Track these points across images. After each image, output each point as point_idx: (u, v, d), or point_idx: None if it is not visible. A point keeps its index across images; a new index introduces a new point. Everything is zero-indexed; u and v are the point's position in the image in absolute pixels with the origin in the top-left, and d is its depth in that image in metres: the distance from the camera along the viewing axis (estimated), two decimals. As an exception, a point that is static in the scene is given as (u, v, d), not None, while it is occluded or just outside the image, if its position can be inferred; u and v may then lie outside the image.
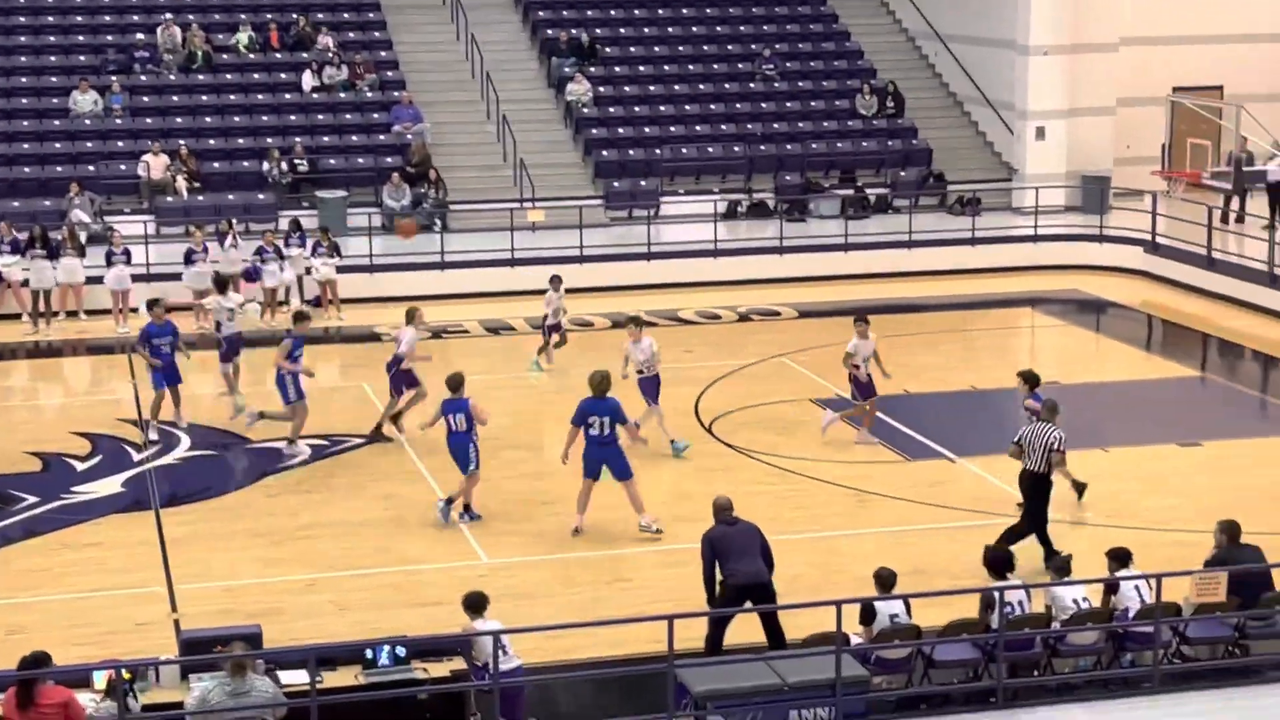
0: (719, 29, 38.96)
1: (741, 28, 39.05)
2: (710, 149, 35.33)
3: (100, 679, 12.55)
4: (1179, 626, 14.39)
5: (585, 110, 35.83)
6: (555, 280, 25.16)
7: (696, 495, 19.63)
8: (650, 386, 21.16)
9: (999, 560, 14.49)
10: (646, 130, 35.67)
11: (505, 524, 18.73)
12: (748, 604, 14.64)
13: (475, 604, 13.41)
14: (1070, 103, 35.15)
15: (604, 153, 34.82)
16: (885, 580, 14.38)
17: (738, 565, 14.71)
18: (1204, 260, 30.51)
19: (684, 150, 35.24)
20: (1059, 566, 14.76)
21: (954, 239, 32.55)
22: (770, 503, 19.18)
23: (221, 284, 24.06)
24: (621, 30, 38.67)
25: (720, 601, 14.82)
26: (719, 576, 14.87)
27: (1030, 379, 18.92)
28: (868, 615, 14.06)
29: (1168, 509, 18.84)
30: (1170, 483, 20.16)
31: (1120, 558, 14.90)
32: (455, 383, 18.80)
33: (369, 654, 13.16)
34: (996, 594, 13.87)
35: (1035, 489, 17.35)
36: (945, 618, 14.27)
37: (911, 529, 18.54)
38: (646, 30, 38.78)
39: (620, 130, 35.59)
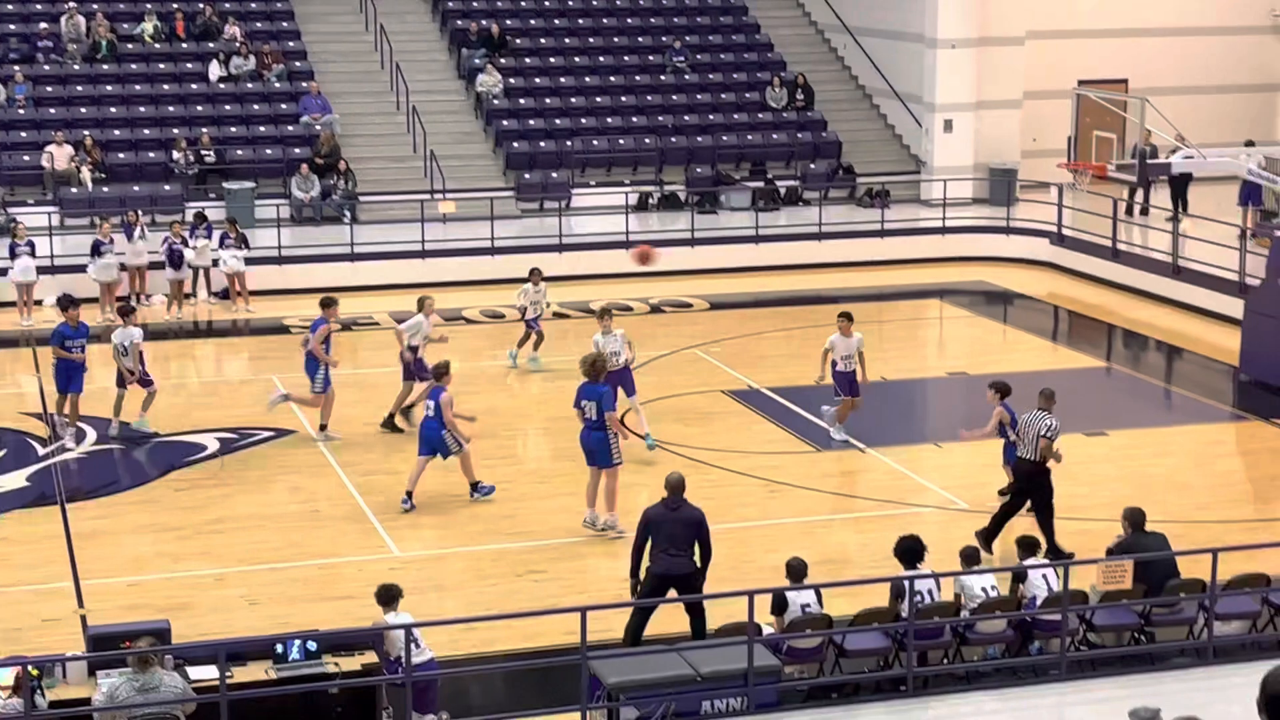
0: (629, 21, 38.99)
1: (652, 20, 39.10)
2: (621, 141, 35.34)
3: (6, 676, 12.39)
4: (1085, 614, 14.57)
5: (496, 102, 35.74)
6: (535, 273, 24.76)
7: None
8: (621, 377, 20.72)
9: (909, 550, 14.60)
10: (558, 122, 35.64)
11: (417, 517, 18.66)
12: (671, 593, 14.53)
13: (387, 597, 13.34)
14: (977, 96, 35.47)
15: (515, 144, 34.75)
16: (796, 570, 14.45)
17: (664, 553, 14.64)
18: (1109, 252, 30.90)
19: (595, 142, 35.23)
20: (967, 555, 14.89)
21: (863, 231, 32.76)
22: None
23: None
24: (532, 21, 38.59)
25: (642, 587, 14.74)
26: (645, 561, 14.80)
27: (1001, 389, 18.51)
28: (779, 605, 14.13)
29: (1074, 498, 19.05)
30: (1077, 472, 20.38)
31: (1028, 546, 15.07)
32: (440, 371, 18.99)
33: (279, 648, 13.05)
34: (906, 583, 13.99)
35: (1031, 480, 17.33)
36: (856, 607, 14.37)
37: (822, 519, 18.66)
38: (557, 22, 38.73)
39: (531, 122, 35.52)
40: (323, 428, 21.51)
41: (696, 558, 14.68)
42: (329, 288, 29.22)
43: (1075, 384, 23.44)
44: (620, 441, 18.20)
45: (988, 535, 17.24)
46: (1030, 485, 17.33)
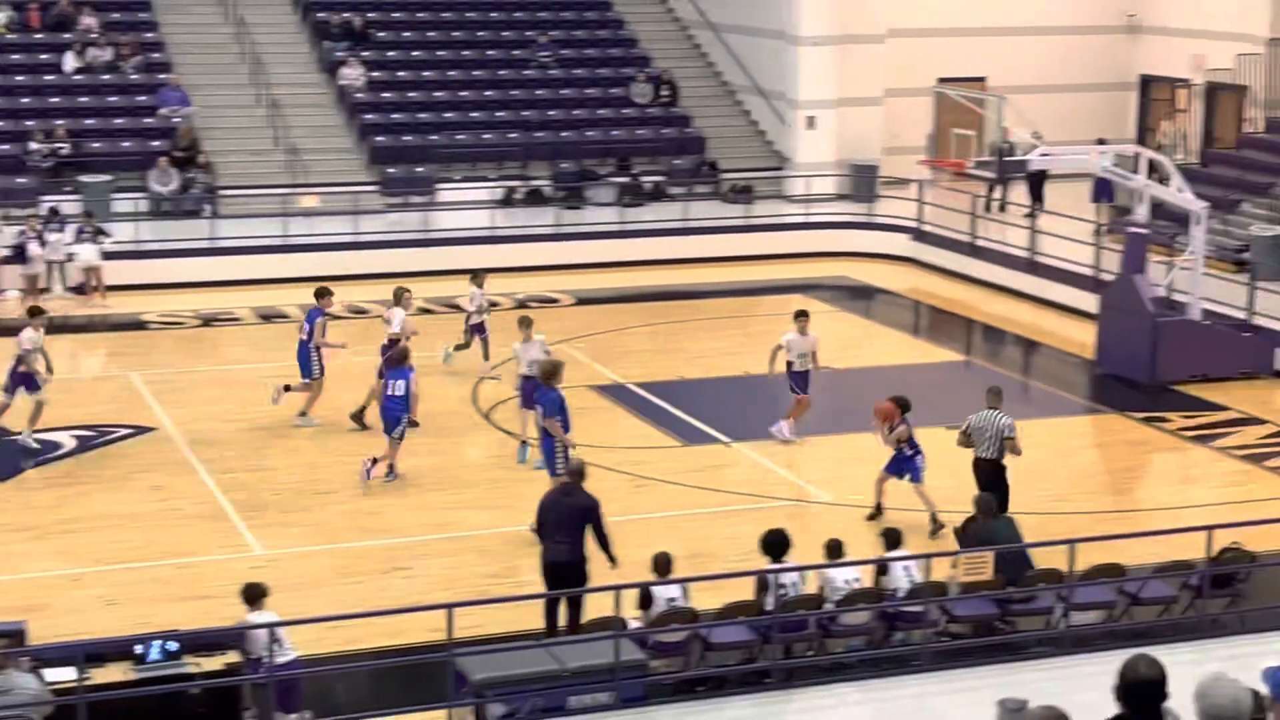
0: (494, 15, 38.83)
1: (516, 14, 38.97)
2: (486, 136, 35.21)
3: None
4: (946, 605, 14.77)
5: (359, 95, 35.43)
6: (478, 275, 24.02)
7: (476, 483, 19.63)
8: (531, 385, 19.92)
9: (775, 543, 14.71)
10: (422, 116, 35.41)
11: (280, 514, 18.47)
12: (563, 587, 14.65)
13: (252, 596, 13.19)
14: (839, 93, 35.79)
15: (379, 138, 34.48)
16: (662, 564, 14.50)
17: (549, 540, 14.85)
18: (968, 247, 31.34)
19: (460, 137, 35.06)
20: (831, 548, 15.02)
21: (728, 226, 32.94)
22: (547, 488, 19.19)
23: None
24: (395, 14, 38.30)
25: (544, 577, 14.90)
26: None
27: (903, 404, 18.50)
28: (645, 600, 14.17)
29: (936, 490, 19.28)
30: (938, 464, 20.64)
31: (892, 538, 15.25)
32: (402, 355, 19.53)
33: (139, 649, 12.85)
34: (771, 576, 14.09)
35: (993, 477, 17.47)
36: (722, 600, 14.45)
37: (687, 513, 18.73)
38: (421, 15, 38.47)
39: (395, 116, 35.27)
40: (302, 414, 21.52)
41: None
42: (189, 283, 28.93)
43: (935, 378, 23.74)
44: (569, 451, 17.60)
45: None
46: (990, 483, 17.41)
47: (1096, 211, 32.11)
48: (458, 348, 23.92)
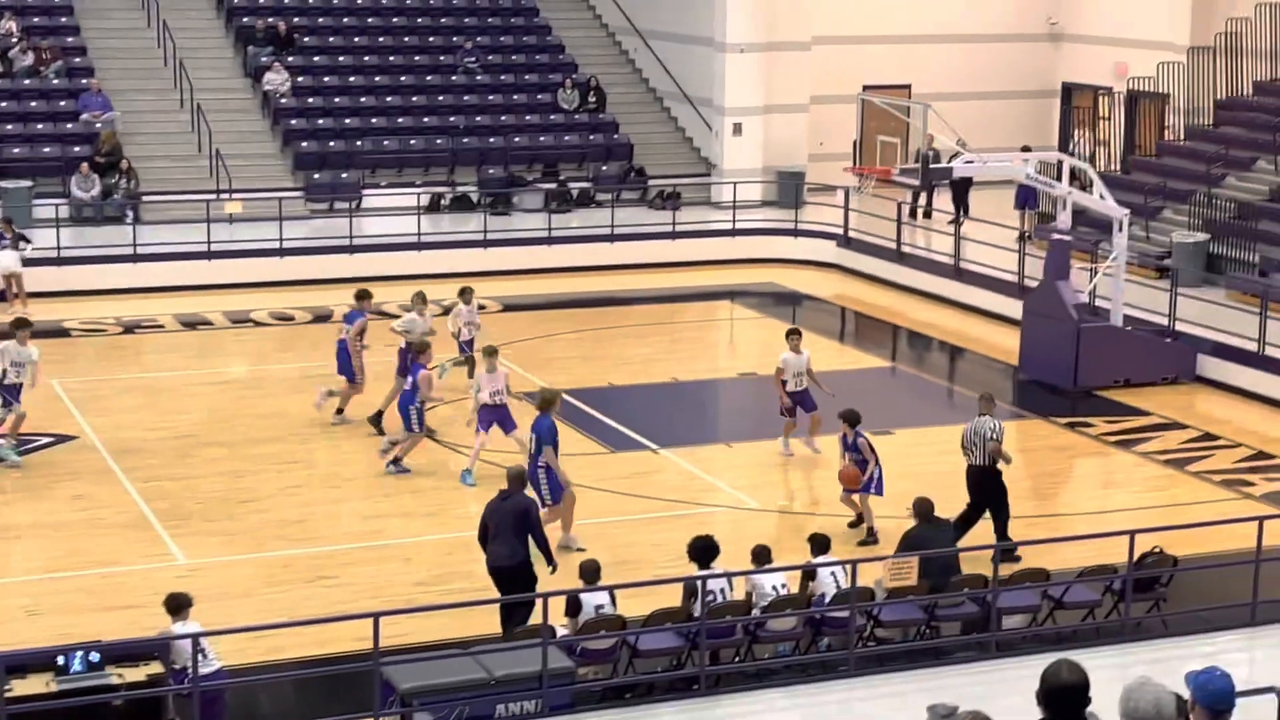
0: (420, 20, 38.71)
1: (443, 20, 38.86)
2: (413, 141, 35.08)
3: None
4: (873, 610, 14.84)
5: (283, 100, 35.22)
6: (465, 292, 23.36)
7: (397, 492, 19.54)
8: (495, 414, 19.77)
9: (703, 549, 14.73)
10: (347, 122, 35.25)
11: (204, 523, 18.31)
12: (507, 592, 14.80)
13: (175, 606, 13.07)
14: (766, 100, 35.92)
15: (303, 144, 34.28)
16: (589, 571, 14.49)
17: (492, 546, 15.03)
18: (894, 254, 31.53)
19: (386, 142, 34.92)
20: (758, 554, 15.06)
21: (655, 233, 32.97)
22: (476, 495, 19.16)
23: None
24: (320, 20, 38.10)
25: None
26: None
27: (851, 419, 18.20)
28: (573, 607, 14.16)
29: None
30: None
31: (819, 544, 15.30)
32: (420, 347, 20.09)
33: (61, 660, 12.71)
34: (699, 582, 14.11)
35: (986, 485, 17.40)
36: (649, 607, 14.45)
37: (615, 520, 18.71)
38: (346, 20, 38.29)
39: (320, 121, 35.08)
40: (339, 411, 21.78)
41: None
42: (111, 290, 28.64)
43: (862, 384, 23.84)
44: (558, 477, 17.36)
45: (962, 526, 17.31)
46: (983, 492, 17.43)
47: (1020, 218, 32.38)
48: (455, 363, 23.29)
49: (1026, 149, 31.89)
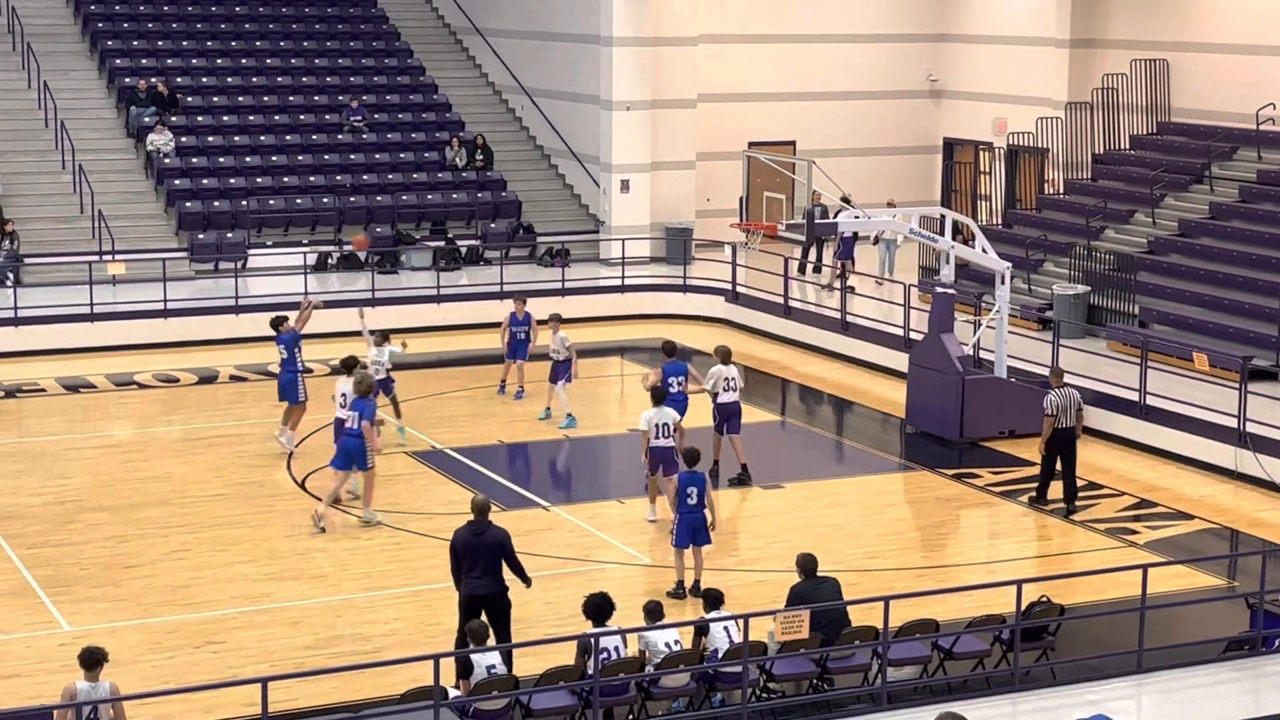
0: (305, 80, 38.58)
1: (329, 79, 38.76)
2: (299, 200, 34.89)
3: None
4: (766, 664, 14.87)
5: (167, 161, 34.92)
6: (554, 318, 25.79)
7: (284, 554, 19.32)
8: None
9: (597, 606, 14.69)
10: (232, 181, 35.00)
11: (88, 589, 17.99)
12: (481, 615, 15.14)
13: (92, 660, 12.88)
14: (653, 156, 36.12)
15: (187, 204, 33.98)
16: (479, 634, 14.41)
17: (470, 574, 15.38)
18: (781, 309, 31.75)
19: (271, 202, 34.71)
20: (651, 610, 15.04)
21: (544, 290, 32.95)
22: (366, 556, 19.01)
23: None
24: (204, 79, 37.85)
25: (460, 609, 15.42)
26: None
27: (690, 458, 18.20)
28: (465, 669, 14.06)
29: (751, 550, 19.46)
30: (754, 525, 20.85)
31: (711, 599, 15.32)
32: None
33: (-61, 734, 12.43)
34: (592, 640, 14.06)
35: (1066, 444, 21.18)
36: (543, 666, 14.39)
37: (507, 579, 18.56)
38: (230, 80, 38.07)
39: (204, 181, 34.80)
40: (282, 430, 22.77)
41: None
42: (-9, 353, 28.17)
43: (751, 438, 23.93)
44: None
45: (1040, 493, 21.41)
46: (1065, 448, 21.15)
47: (839, 267, 32.54)
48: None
49: (891, 204, 32.37)
